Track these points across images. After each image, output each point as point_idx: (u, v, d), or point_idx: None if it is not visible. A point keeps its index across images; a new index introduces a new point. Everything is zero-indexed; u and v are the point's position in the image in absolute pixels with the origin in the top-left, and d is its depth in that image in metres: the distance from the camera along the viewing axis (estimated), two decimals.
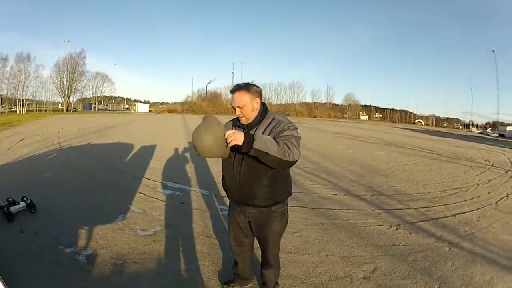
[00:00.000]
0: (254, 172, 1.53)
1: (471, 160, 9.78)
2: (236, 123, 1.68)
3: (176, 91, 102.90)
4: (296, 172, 5.92)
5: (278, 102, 43.72)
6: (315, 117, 36.95)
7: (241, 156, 1.54)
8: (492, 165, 9.05)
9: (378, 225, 3.48)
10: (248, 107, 1.56)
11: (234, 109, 1.58)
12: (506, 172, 7.90)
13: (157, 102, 53.57)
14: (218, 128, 1.40)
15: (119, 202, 3.69)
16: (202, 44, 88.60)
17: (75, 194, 4.02)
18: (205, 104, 37.03)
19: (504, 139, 27.18)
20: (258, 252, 1.99)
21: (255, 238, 1.81)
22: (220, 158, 1.60)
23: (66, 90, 44.92)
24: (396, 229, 3.38)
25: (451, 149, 12.95)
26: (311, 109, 41.52)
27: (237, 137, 1.37)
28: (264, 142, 1.36)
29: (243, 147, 1.37)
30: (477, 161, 9.64)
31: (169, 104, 48.31)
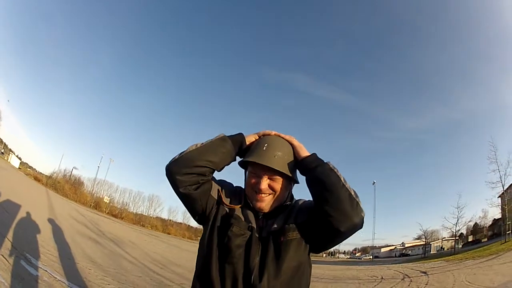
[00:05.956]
0: (288, 274, 0.92)
1: (355, 278, 10.77)
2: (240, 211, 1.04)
3: (46, 161, 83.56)
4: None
5: (135, 211, 40.91)
6: (169, 233, 36.51)
7: (261, 250, 0.95)
8: (382, 278, 10.08)
9: None
10: (284, 183, 1.00)
11: (259, 179, 0.97)
12: (403, 279, 8.87)
13: (27, 163, 44.18)
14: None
15: None
16: (76, 126, 79.85)
17: None
18: (68, 188, 32.84)
19: (379, 259, 31.47)
20: None
21: None
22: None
23: None
24: None
25: (327, 273, 13.46)
26: (167, 226, 40.70)
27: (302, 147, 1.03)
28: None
29: (309, 161, 0.95)
30: (363, 278, 10.76)
31: (36, 171, 40.47)
